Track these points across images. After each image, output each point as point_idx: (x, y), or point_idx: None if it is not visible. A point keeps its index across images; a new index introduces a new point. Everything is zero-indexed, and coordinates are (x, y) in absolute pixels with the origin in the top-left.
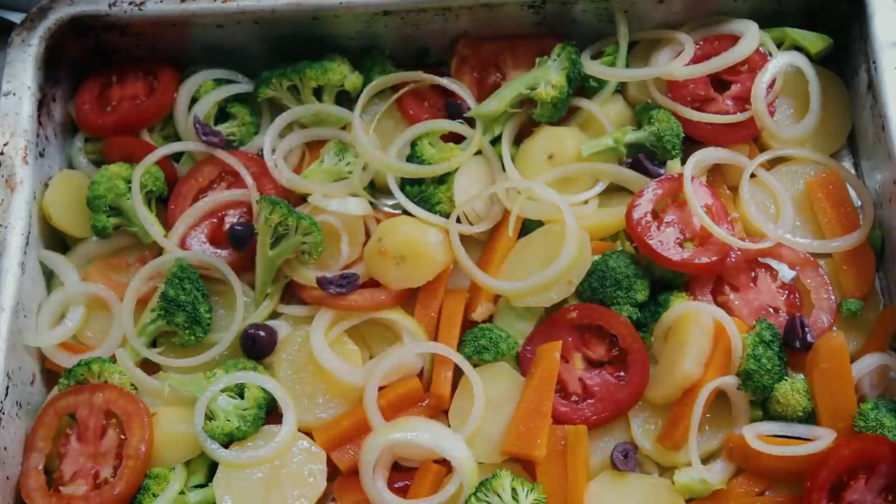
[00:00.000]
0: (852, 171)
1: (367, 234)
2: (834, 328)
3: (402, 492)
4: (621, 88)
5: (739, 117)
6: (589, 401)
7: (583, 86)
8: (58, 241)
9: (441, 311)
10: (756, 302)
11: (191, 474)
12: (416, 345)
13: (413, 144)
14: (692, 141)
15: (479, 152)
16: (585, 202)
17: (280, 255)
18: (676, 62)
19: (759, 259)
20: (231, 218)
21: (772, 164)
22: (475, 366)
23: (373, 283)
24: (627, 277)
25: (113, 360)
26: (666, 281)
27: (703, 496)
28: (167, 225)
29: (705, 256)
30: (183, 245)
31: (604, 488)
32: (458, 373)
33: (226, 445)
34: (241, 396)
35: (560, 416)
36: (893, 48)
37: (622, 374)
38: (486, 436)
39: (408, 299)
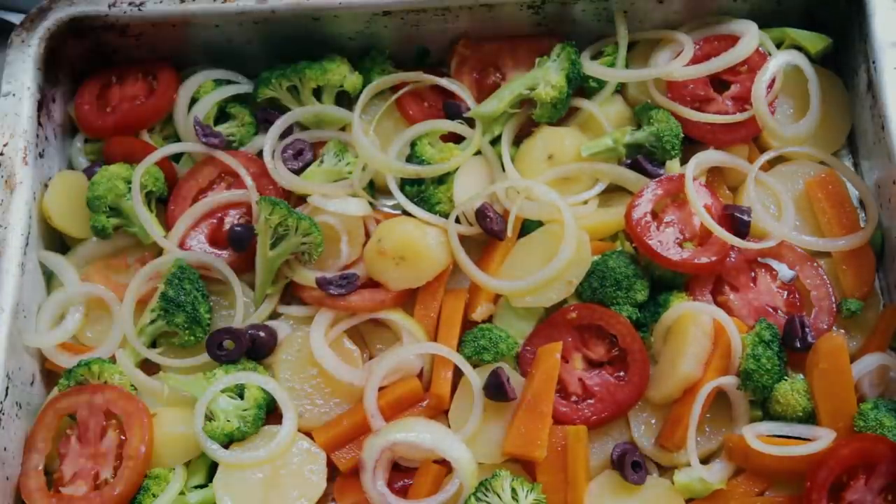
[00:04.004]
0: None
1: (367, 235)
2: (834, 328)
3: (402, 492)
4: (621, 89)
5: (739, 117)
6: (589, 401)
7: (582, 86)
8: (57, 241)
9: (441, 311)
10: (756, 302)
11: (191, 475)
12: (415, 345)
13: (413, 144)
14: (692, 141)
15: (478, 152)
16: (585, 202)
17: (280, 256)
18: (676, 62)
19: (759, 259)
20: (231, 218)
21: (771, 163)
22: (475, 366)
23: (373, 284)
24: (627, 277)
25: (113, 360)
26: (666, 281)
27: (702, 496)
28: (167, 225)
29: (705, 256)
30: (183, 245)
31: (604, 488)
32: (458, 373)
33: (226, 446)
34: (241, 397)
35: (560, 416)
36: (893, 48)
37: (622, 374)
38: (486, 436)
39: (408, 299)
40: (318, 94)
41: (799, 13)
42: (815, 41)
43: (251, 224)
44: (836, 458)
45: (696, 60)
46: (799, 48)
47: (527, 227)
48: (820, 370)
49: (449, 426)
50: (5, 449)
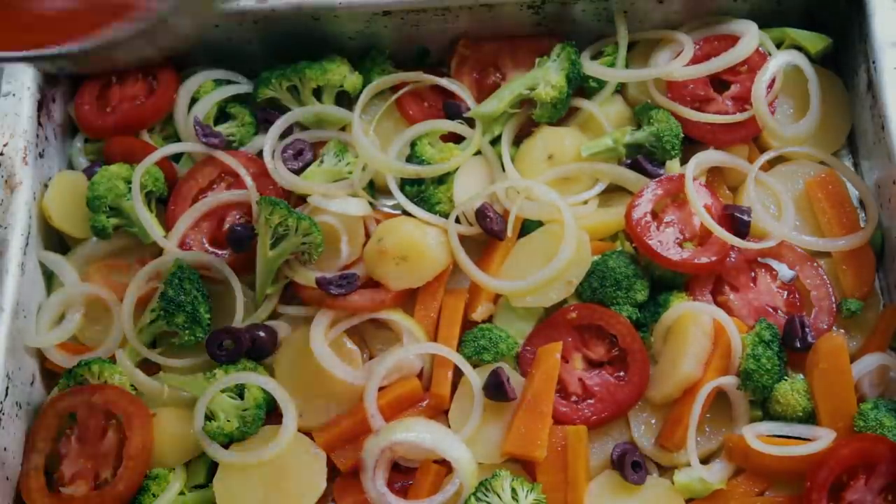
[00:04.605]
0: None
1: (367, 235)
2: (834, 328)
3: (402, 492)
4: (621, 89)
5: (739, 117)
6: (589, 401)
7: (582, 86)
8: (58, 241)
9: (441, 311)
10: (756, 302)
11: (191, 474)
12: (415, 345)
13: (413, 144)
14: (692, 141)
15: (478, 152)
16: (585, 202)
17: (280, 256)
18: (676, 62)
19: (759, 259)
20: (231, 218)
21: (771, 163)
22: (475, 366)
23: (373, 284)
24: (627, 277)
25: (113, 360)
26: (666, 281)
27: (702, 496)
28: (167, 225)
29: (705, 256)
30: (183, 245)
31: (604, 488)
32: (458, 373)
33: (226, 446)
34: (241, 397)
35: (560, 416)
36: (893, 48)
37: (622, 374)
38: (486, 436)
39: (408, 299)
40: (318, 94)
41: (799, 13)
42: (815, 41)
43: (251, 224)
44: (836, 458)
45: (696, 60)
46: (799, 48)
47: (527, 227)
48: (820, 370)
49: (449, 426)
50: (5, 449)
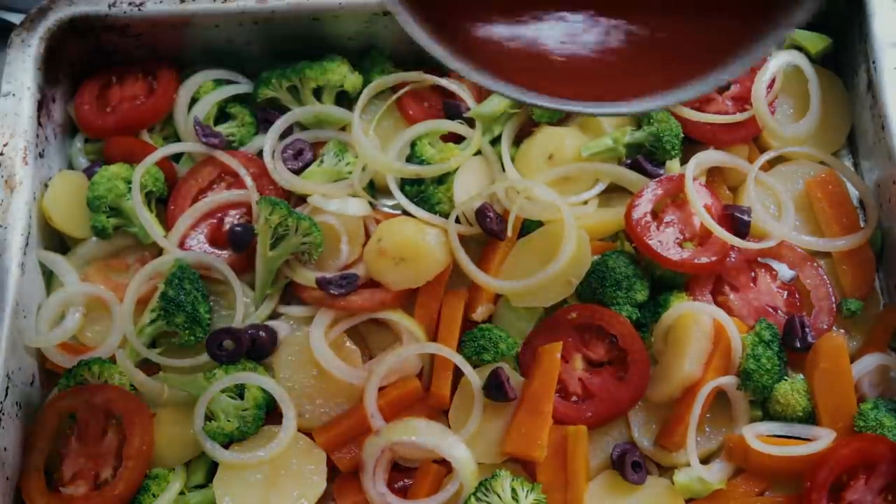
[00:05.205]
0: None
1: (367, 235)
2: (834, 328)
3: (402, 492)
4: None
5: (739, 117)
6: (589, 401)
7: None
8: (57, 241)
9: (441, 311)
10: (756, 302)
11: (191, 474)
12: (416, 345)
13: (413, 144)
14: (692, 141)
15: (478, 152)
16: (585, 202)
17: (280, 256)
18: None
19: (759, 259)
20: (231, 218)
21: (771, 163)
22: (475, 366)
23: (373, 284)
24: (627, 277)
25: (113, 360)
26: (666, 281)
27: (702, 496)
28: (167, 225)
29: (705, 256)
30: (183, 245)
31: (604, 488)
32: (458, 373)
33: (226, 446)
34: (241, 397)
35: (560, 416)
36: (893, 48)
37: (622, 374)
38: (486, 436)
39: (407, 299)
40: (318, 94)
41: None
42: (815, 41)
43: (251, 224)
44: (836, 458)
45: None
46: (799, 48)
47: (527, 227)
48: (820, 370)
49: (449, 426)
50: (5, 449)
